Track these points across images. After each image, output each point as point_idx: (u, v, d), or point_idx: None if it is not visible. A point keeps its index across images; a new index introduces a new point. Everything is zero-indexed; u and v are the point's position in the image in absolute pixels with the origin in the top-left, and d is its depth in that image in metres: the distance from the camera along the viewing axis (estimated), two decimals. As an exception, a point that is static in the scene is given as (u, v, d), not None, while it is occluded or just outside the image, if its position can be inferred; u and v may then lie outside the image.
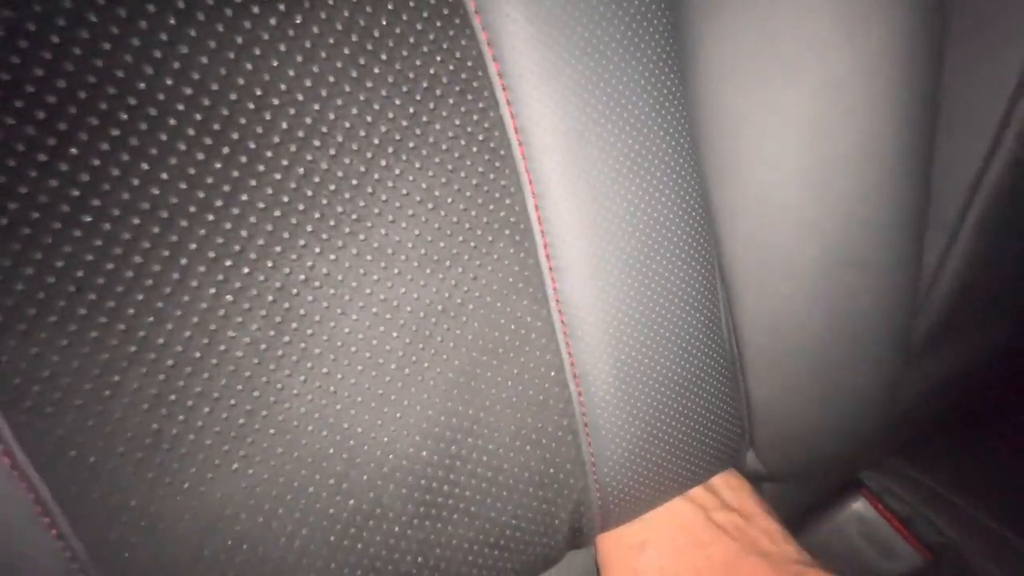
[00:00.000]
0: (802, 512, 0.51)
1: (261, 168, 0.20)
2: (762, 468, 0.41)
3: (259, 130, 0.20)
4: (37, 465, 0.19)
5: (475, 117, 0.23)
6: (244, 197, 0.20)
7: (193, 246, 0.20)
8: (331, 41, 0.20)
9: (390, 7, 0.21)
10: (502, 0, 0.23)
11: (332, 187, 0.21)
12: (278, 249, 0.21)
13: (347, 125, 0.21)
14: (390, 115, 0.22)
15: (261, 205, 0.20)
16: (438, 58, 0.22)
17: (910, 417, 0.44)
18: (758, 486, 0.39)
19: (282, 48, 0.20)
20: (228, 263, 0.20)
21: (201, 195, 0.19)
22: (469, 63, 0.23)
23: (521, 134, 0.25)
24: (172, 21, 0.18)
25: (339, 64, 0.21)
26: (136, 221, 0.19)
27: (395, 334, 0.23)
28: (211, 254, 0.20)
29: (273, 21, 0.19)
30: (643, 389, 0.28)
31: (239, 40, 0.19)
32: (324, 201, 0.21)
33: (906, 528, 0.47)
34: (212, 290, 0.20)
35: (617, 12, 0.26)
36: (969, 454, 0.50)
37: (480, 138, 0.24)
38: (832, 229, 0.32)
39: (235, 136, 0.20)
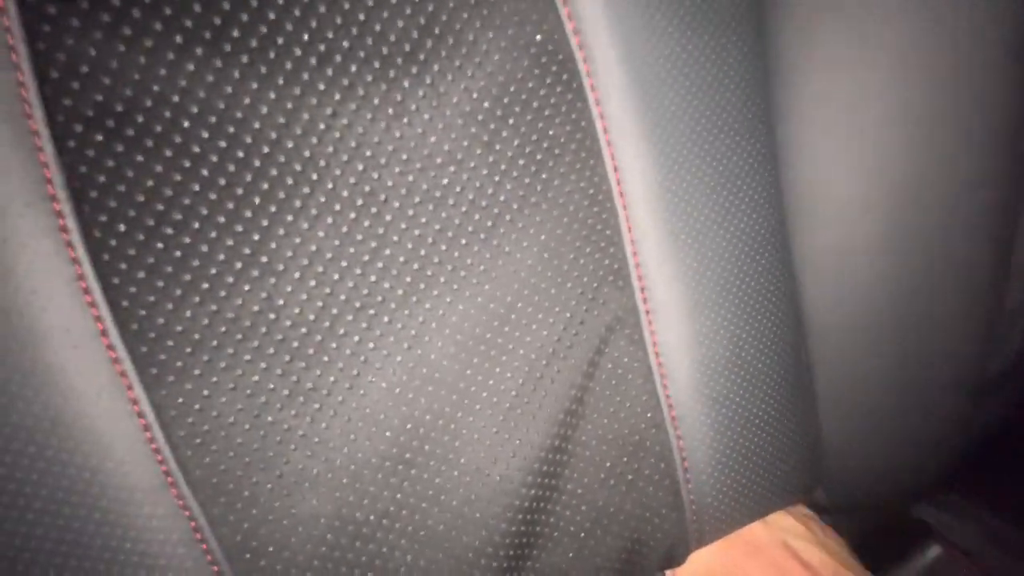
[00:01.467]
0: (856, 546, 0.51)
1: (403, 225, 0.22)
2: (825, 500, 0.42)
3: (403, 191, 0.22)
4: (199, 498, 0.21)
5: (587, 173, 0.25)
6: (387, 252, 0.22)
7: (343, 298, 0.21)
8: (467, 109, 0.22)
9: (519, 75, 0.23)
10: (612, 63, 0.25)
11: (464, 241, 0.23)
12: (415, 299, 0.22)
13: (478, 184, 0.23)
14: (515, 174, 0.23)
15: (401, 259, 0.22)
16: (556, 120, 0.24)
17: (967, 453, 0.44)
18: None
19: (426, 116, 0.21)
20: (371, 312, 0.22)
21: (352, 251, 0.21)
22: (583, 123, 0.24)
23: (623, 185, 0.26)
24: (337, 97, 0.20)
25: (473, 129, 0.22)
26: (296, 276, 0.21)
27: (509, 375, 0.25)
28: (357, 304, 0.22)
29: (421, 92, 0.21)
30: (736, 429, 0.29)
31: (390, 111, 0.21)
32: (456, 254, 0.23)
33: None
34: (356, 338, 0.22)
35: (711, 70, 0.27)
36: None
37: (590, 192, 0.25)
38: (907, 269, 0.33)
39: (383, 197, 0.21)
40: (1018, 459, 0.53)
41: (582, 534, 0.28)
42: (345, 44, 0.20)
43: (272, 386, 0.21)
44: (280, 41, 0.19)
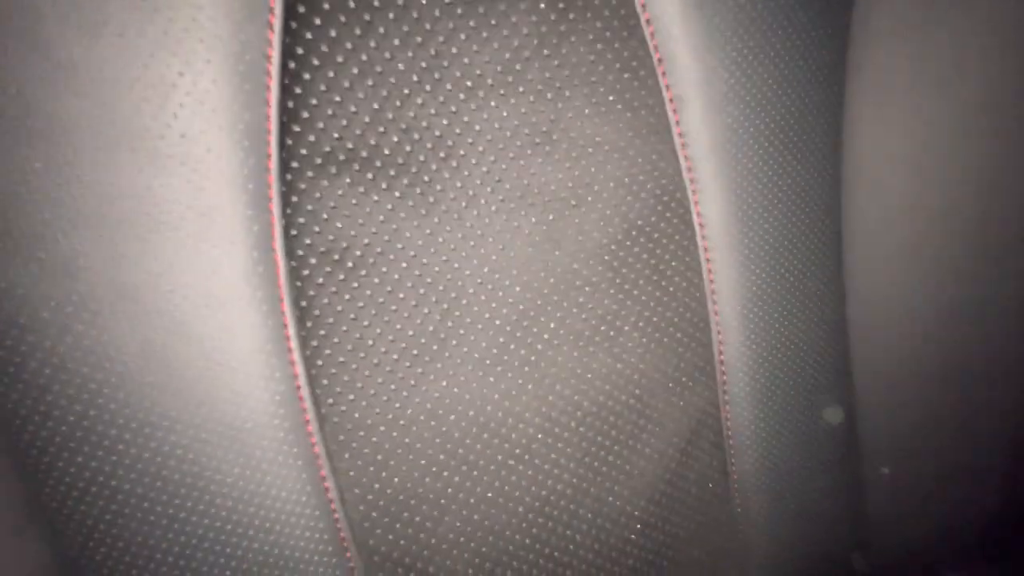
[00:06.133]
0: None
1: (545, 336, 0.26)
2: (862, 565, 0.45)
3: (549, 307, 0.26)
4: (366, 563, 0.25)
5: (691, 289, 0.29)
6: (522, 352, 0.26)
7: (494, 395, 0.25)
8: (604, 241, 0.26)
9: (645, 212, 0.27)
10: (717, 195, 0.29)
11: (591, 349, 0.27)
12: (550, 397, 0.26)
13: (606, 301, 0.27)
14: (635, 292, 0.28)
15: (532, 358, 0.26)
16: (670, 247, 0.28)
17: (1003, 522, 0.48)
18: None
19: (572, 248, 0.26)
20: (506, 404, 0.26)
21: (495, 352, 0.25)
22: (690, 248, 0.29)
23: (716, 295, 0.30)
24: (508, 236, 0.24)
25: (606, 257, 0.27)
26: (461, 377, 0.25)
27: (625, 452, 0.29)
28: (495, 396, 0.26)
29: (570, 231, 0.26)
30: (789, 498, 0.33)
31: (547, 245, 0.25)
32: (584, 359, 0.27)
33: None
34: (503, 429, 0.26)
35: (799, 193, 0.31)
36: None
37: (692, 305, 0.29)
38: (960, 337, 0.36)
39: (532, 313, 0.26)
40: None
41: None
42: (518, 194, 0.24)
43: (435, 468, 0.25)
44: (471, 193, 0.24)
